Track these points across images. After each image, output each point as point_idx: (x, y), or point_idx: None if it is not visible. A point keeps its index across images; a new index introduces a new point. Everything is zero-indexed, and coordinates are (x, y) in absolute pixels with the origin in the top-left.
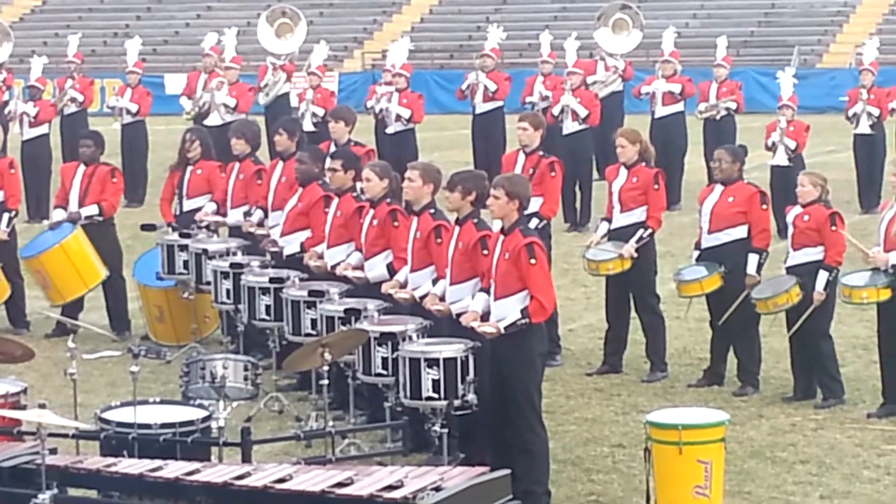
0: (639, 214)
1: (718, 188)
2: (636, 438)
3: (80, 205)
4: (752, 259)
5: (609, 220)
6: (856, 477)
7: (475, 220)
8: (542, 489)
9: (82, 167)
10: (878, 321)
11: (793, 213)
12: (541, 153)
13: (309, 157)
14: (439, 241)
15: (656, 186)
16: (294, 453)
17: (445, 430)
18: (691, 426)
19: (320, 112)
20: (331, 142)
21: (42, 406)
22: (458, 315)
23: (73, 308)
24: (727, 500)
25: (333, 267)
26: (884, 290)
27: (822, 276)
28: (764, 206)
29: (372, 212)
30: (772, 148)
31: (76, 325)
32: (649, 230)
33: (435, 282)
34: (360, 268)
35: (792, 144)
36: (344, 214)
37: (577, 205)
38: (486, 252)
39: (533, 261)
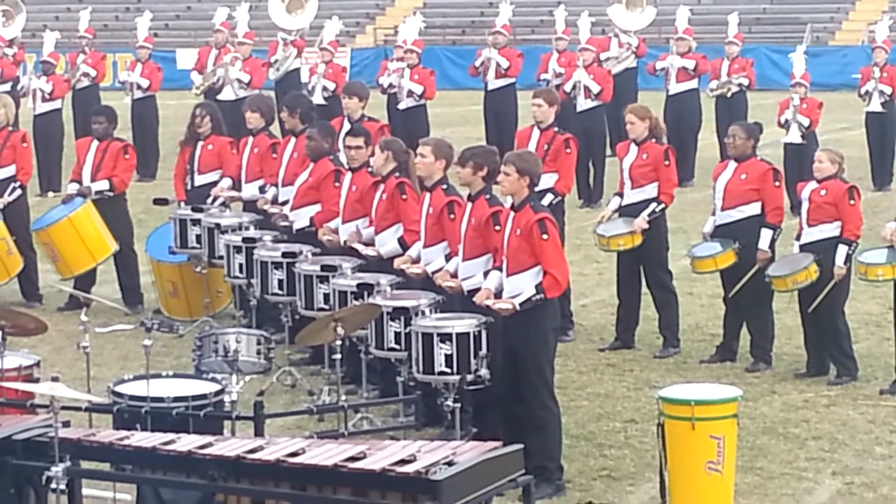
0: (650, 191)
1: (732, 165)
2: (648, 414)
3: (93, 180)
4: (766, 234)
5: (621, 196)
6: (868, 453)
7: (487, 196)
8: (555, 464)
9: (96, 142)
10: (895, 298)
11: (808, 188)
12: (556, 129)
13: (318, 134)
14: (452, 216)
15: (667, 162)
16: (307, 427)
17: (458, 405)
18: (704, 402)
19: (331, 86)
20: (343, 117)
21: (55, 379)
22: (470, 291)
23: (86, 282)
24: (739, 475)
25: (346, 241)
26: None
27: (842, 251)
28: (777, 184)
29: (382, 186)
30: (785, 125)
31: (89, 298)
32: (662, 205)
33: (448, 258)
34: (371, 243)
35: (805, 122)
36: (359, 189)
37: (591, 181)
38: (498, 227)
39: (545, 236)
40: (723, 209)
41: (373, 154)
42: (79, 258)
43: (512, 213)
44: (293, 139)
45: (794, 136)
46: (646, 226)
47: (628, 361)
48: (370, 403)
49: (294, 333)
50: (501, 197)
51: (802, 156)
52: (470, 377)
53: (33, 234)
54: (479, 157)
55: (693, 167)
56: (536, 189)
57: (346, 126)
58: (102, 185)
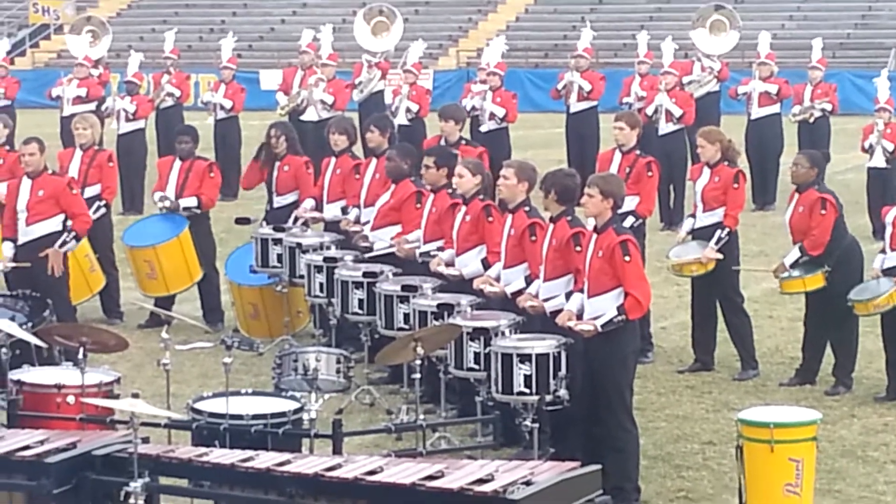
0: (721, 214)
1: (795, 196)
2: (727, 436)
3: (177, 198)
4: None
5: (694, 217)
6: None
7: (569, 218)
8: (632, 485)
9: (178, 161)
10: None
11: (892, 213)
12: (637, 153)
13: (398, 155)
14: (534, 238)
15: (735, 185)
16: (385, 446)
17: (536, 425)
18: (783, 424)
19: (414, 108)
20: (440, 138)
21: (135, 395)
22: (553, 312)
23: (166, 300)
24: (818, 498)
25: (423, 254)
26: None
27: None
28: (823, 212)
29: (464, 208)
30: (869, 150)
31: (170, 316)
32: (727, 230)
33: (528, 280)
34: (452, 264)
35: (890, 146)
36: (438, 211)
37: (671, 204)
38: (579, 249)
39: (627, 258)
40: (793, 242)
41: (450, 176)
42: (179, 278)
43: (594, 235)
44: (374, 160)
45: (879, 161)
46: (717, 256)
47: (707, 383)
48: (448, 423)
49: (373, 353)
50: (584, 219)
51: (886, 180)
52: (549, 398)
53: (132, 250)
54: (548, 179)
55: (775, 192)
56: (618, 212)
57: (429, 148)
58: (190, 201)
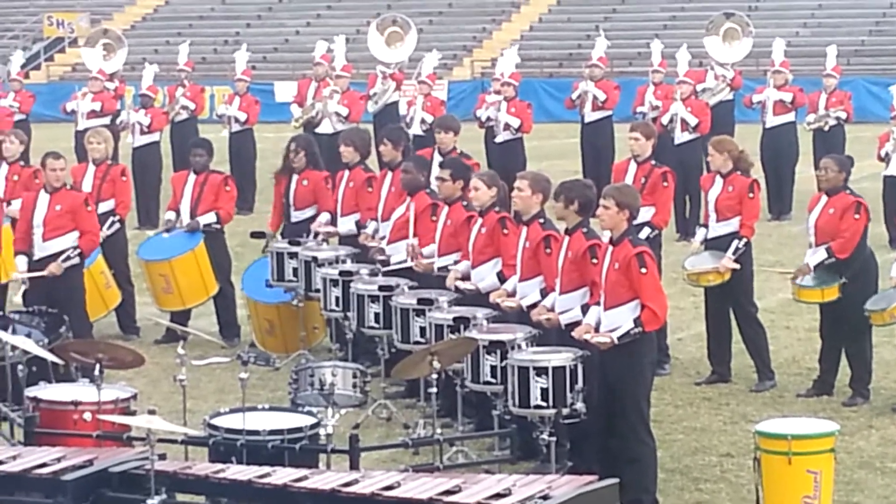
0: (735, 224)
1: (823, 199)
2: (744, 448)
3: (193, 213)
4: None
5: (706, 227)
6: None
7: (584, 230)
8: (650, 498)
9: (193, 175)
10: None
11: None
12: (653, 163)
13: (414, 167)
14: (549, 251)
15: (751, 195)
16: (402, 461)
17: (553, 439)
18: (801, 436)
19: (429, 119)
20: (434, 149)
21: (151, 412)
22: (568, 325)
23: (182, 315)
24: None
25: (440, 269)
26: None
27: None
28: (857, 216)
29: (480, 220)
30: (885, 158)
31: (186, 331)
32: (744, 240)
33: (543, 293)
34: (468, 277)
35: None
36: (454, 223)
37: (687, 214)
38: (595, 261)
39: (644, 270)
40: (816, 244)
41: (465, 188)
42: (195, 291)
43: (610, 247)
44: (390, 173)
45: (894, 169)
46: (734, 265)
47: (724, 395)
48: (465, 437)
49: (390, 367)
50: (600, 231)
51: None
52: (566, 411)
53: (147, 264)
54: (570, 190)
55: (791, 200)
56: (634, 223)
57: (438, 158)
58: (209, 217)
